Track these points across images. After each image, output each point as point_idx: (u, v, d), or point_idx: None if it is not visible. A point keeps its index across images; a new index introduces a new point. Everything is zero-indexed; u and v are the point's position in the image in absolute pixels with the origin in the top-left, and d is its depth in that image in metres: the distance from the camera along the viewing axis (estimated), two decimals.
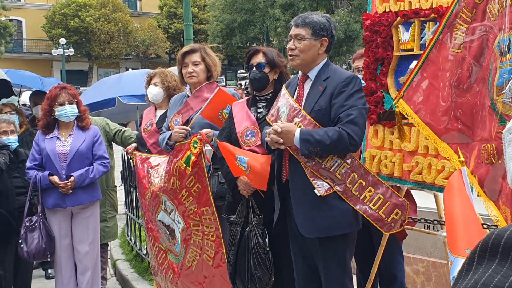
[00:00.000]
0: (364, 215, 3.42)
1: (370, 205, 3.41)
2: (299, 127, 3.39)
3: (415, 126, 3.45)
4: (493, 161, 2.85)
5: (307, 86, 3.59)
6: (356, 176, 3.40)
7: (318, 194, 3.36)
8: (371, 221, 3.43)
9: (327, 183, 3.38)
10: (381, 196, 3.42)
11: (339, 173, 3.38)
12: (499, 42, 2.83)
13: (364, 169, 3.46)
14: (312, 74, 3.57)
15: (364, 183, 3.41)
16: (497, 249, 0.86)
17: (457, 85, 3.13)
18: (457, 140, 3.16)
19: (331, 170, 3.38)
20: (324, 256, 3.46)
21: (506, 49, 2.75)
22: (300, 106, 3.50)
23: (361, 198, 3.41)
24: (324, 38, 3.53)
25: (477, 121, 3.02)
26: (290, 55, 3.56)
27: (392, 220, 3.44)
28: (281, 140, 3.36)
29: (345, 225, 3.41)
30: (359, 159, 3.84)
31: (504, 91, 2.75)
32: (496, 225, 2.87)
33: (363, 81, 3.91)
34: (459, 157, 2.93)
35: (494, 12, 2.91)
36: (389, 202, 3.43)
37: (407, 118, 3.47)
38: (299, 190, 3.46)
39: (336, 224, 3.39)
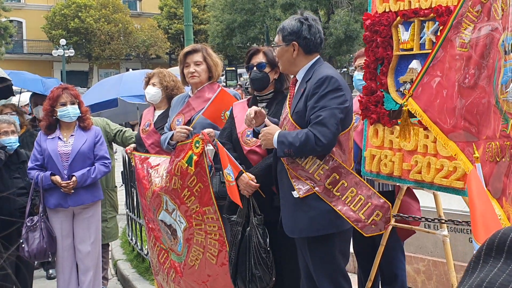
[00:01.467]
0: (344, 216, 3.39)
1: (351, 206, 3.41)
2: (284, 129, 3.46)
3: (422, 126, 3.46)
4: (497, 159, 2.86)
5: (296, 88, 3.62)
6: (337, 176, 3.40)
7: (296, 196, 3.38)
8: (350, 223, 3.41)
9: (307, 184, 3.38)
10: (362, 197, 3.42)
11: (318, 174, 3.38)
12: (503, 41, 2.84)
13: (346, 170, 3.44)
14: (299, 76, 3.59)
15: (346, 184, 3.41)
16: (503, 248, 0.87)
17: (464, 84, 3.14)
18: (463, 139, 3.17)
19: (310, 171, 3.38)
20: (312, 255, 3.47)
21: (510, 48, 2.76)
22: (290, 108, 3.53)
23: (342, 199, 3.40)
24: (293, 42, 3.53)
25: (483, 120, 3.03)
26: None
27: (372, 222, 3.43)
28: (261, 136, 3.50)
29: (326, 226, 3.39)
30: (360, 159, 3.86)
31: (507, 90, 2.76)
32: None
33: (363, 81, 3.92)
34: (474, 153, 2.94)
35: (499, 12, 2.92)
36: (369, 203, 3.43)
37: (415, 117, 3.48)
38: (284, 190, 3.51)
39: (315, 225, 3.38)
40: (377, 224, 3.45)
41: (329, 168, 3.39)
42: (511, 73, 2.75)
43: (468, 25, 3.10)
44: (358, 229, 3.44)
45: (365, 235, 3.50)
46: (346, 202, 3.40)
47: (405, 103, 3.49)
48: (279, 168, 3.55)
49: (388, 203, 3.49)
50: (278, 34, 3.58)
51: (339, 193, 3.40)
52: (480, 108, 3.05)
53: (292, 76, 3.81)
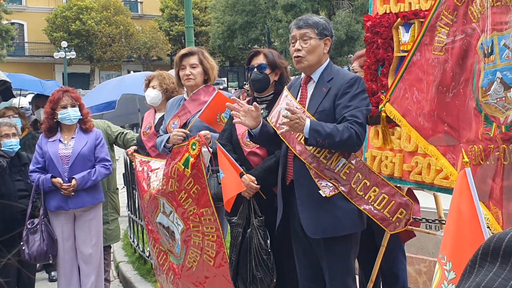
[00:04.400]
0: (369, 215, 3.44)
1: (375, 204, 3.43)
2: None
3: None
4: (481, 162, 2.86)
5: (310, 87, 3.60)
6: (360, 176, 3.42)
7: (324, 195, 3.37)
8: (376, 220, 3.45)
9: (332, 183, 3.39)
10: (385, 196, 3.45)
11: (344, 174, 3.40)
12: (482, 44, 2.84)
13: (368, 169, 3.48)
14: (315, 75, 3.58)
15: (368, 183, 3.43)
16: (498, 252, 0.88)
17: (441, 87, 3.14)
18: (444, 143, 3.18)
19: (335, 171, 3.39)
20: (329, 256, 3.47)
21: (490, 51, 2.76)
22: (304, 107, 3.51)
23: (365, 198, 3.43)
24: (327, 37, 3.56)
25: (463, 122, 3.03)
26: (297, 57, 3.53)
27: (396, 220, 3.47)
28: (293, 116, 3.20)
29: (350, 225, 3.43)
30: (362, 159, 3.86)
31: (489, 93, 2.76)
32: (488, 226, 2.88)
33: None
34: (464, 158, 2.94)
35: (476, 14, 2.92)
36: (393, 202, 3.45)
37: (394, 122, 3.49)
38: (304, 191, 3.47)
39: (341, 224, 3.40)
40: (401, 222, 3.48)
41: (354, 167, 3.42)
42: (491, 75, 2.75)
43: (443, 28, 3.11)
44: (384, 227, 3.49)
45: (389, 232, 3.54)
46: (370, 201, 3.43)
47: (382, 109, 3.50)
48: (295, 169, 3.51)
49: (411, 200, 3.51)
50: (310, 28, 3.52)
51: (362, 193, 3.42)
52: (460, 111, 3.05)
53: (293, 78, 3.80)
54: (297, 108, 3.46)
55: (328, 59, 3.62)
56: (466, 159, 2.86)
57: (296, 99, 3.59)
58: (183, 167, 4.11)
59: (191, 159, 4.06)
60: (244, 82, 29.08)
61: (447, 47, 3.10)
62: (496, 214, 2.74)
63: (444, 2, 3.09)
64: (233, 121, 3.60)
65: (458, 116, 3.06)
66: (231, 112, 3.53)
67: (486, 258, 0.89)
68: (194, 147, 4.06)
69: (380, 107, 3.57)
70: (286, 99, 3.63)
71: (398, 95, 3.40)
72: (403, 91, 3.37)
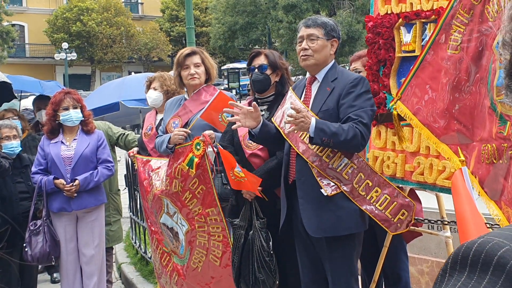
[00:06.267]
0: (371, 215, 3.43)
1: (377, 205, 3.43)
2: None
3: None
4: (494, 161, 2.85)
5: (314, 87, 3.61)
6: (363, 176, 3.42)
7: (325, 194, 3.37)
8: (377, 221, 3.45)
9: (334, 182, 3.39)
10: (387, 197, 3.44)
11: (346, 173, 3.40)
12: (498, 43, 2.83)
13: (370, 169, 3.47)
14: (320, 75, 3.59)
15: (370, 184, 3.43)
16: (466, 261, 0.89)
17: (455, 86, 3.13)
18: (456, 141, 3.17)
19: (338, 170, 3.39)
20: (331, 256, 3.47)
21: None
22: (308, 107, 3.52)
23: (367, 198, 3.42)
24: (335, 39, 3.58)
25: (477, 121, 3.03)
26: (304, 55, 3.55)
27: (398, 221, 3.46)
28: (299, 115, 3.21)
29: (352, 225, 3.42)
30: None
31: (504, 91, 2.75)
32: (499, 225, 2.88)
33: None
34: (460, 157, 2.93)
35: (492, 13, 2.92)
36: (395, 203, 3.44)
37: (405, 120, 3.49)
38: (306, 189, 3.47)
39: (343, 224, 3.40)
40: (402, 223, 3.47)
41: (357, 167, 3.41)
42: None
43: (459, 27, 3.10)
44: (385, 228, 3.48)
45: (390, 233, 3.54)
46: (372, 202, 3.42)
47: (393, 106, 3.50)
48: (298, 167, 3.51)
49: (413, 202, 3.50)
50: (318, 28, 3.54)
51: (364, 193, 3.42)
52: (474, 110, 3.05)
53: (305, 76, 3.79)
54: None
55: (334, 60, 3.64)
56: (462, 157, 2.86)
57: (300, 99, 3.60)
58: (187, 167, 4.11)
59: (196, 159, 4.05)
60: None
61: (462, 46, 3.09)
62: (507, 213, 2.74)
63: (460, 1, 3.08)
64: (233, 127, 3.59)
65: (472, 115, 3.06)
66: (228, 118, 3.55)
67: (455, 267, 0.90)
68: (198, 147, 4.06)
69: (391, 105, 3.57)
70: (291, 99, 3.64)
71: (409, 93, 3.39)
72: (415, 89, 3.36)
